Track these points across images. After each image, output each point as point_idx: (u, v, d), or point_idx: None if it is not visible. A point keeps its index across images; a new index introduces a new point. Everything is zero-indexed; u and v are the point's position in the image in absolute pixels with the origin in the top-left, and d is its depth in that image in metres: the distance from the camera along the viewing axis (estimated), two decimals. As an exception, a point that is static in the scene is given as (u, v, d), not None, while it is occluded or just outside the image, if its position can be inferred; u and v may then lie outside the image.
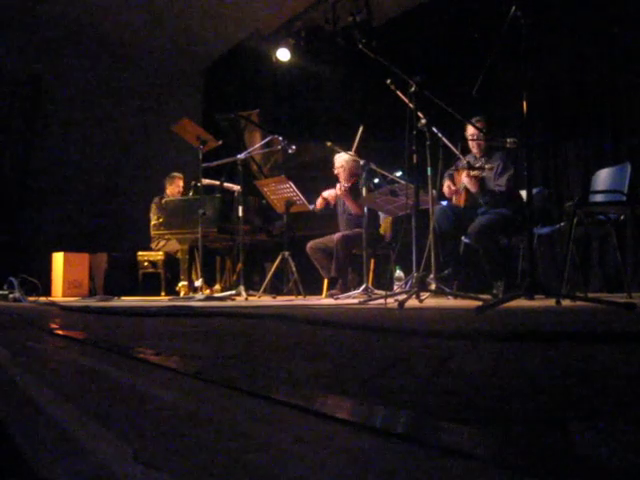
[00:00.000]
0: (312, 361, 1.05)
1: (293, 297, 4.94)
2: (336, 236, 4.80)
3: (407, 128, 3.23)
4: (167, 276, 6.21)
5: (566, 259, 3.30)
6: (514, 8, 2.51)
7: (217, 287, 5.89)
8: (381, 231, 5.13)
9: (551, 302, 2.67)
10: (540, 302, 2.86)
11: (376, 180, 4.87)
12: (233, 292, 4.75)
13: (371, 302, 3.38)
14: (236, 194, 5.29)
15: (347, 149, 4.79)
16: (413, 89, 3.34)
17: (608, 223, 3.68)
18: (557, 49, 5.32)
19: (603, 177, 4.07)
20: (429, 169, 3.53)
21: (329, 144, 4.62)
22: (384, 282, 4.54)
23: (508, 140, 3.71)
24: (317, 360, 1.07)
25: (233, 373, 0.90)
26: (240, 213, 4.88)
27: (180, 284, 5.54)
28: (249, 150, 5.26)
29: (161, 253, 6.19)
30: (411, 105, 3.34)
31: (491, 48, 2.68)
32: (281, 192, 4.99)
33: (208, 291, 5.15)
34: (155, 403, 0.69)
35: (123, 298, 5.28)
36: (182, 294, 5.39)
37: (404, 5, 6.54)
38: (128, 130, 8.14)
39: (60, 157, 7.52)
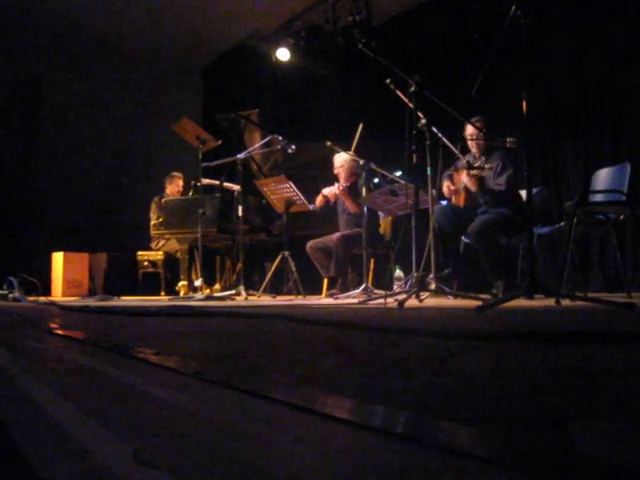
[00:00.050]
0: (312, 361, 1.05)
1: (293, 297, 4.94)
2: (336, 236, 4.79)
3: (407, 128, 3.23)
4: (167, 276, 6.21)
5: (566, 259, 3.30)
6: (514, 8, 2.51)
7: (217, 287, 5.88)
8: (381, 231, 5.14)
9: (551, 302, 2.67)
10: (540, 302, 2.86)
11: (376, 180, 4.86)
12: (233, 292, 4.75)
13: (371, 302, 3.38)
14: (236, 194, 5.29)
15: (347, 149, 4.79)
16: (413, 89, 3.34)
17: (608, 223, 3.68)
18: (557, 49, 5.33)
19: (603, 177, 4.07)
20: (429, 169, 3.53)
21: (329, 144, 4.62)
22: (384, 282, 4.54)
23: (508, 140, 3.71)
24: (317, 360, 1.07)
25: (233, 373, 0.90)
26: (240, 213, 4.88)
27: (180, 284, 5.53)
28: (249, 150, 5.26)
29: (161, 253, 6.19)
30: (411, 105, 3.34)
31: (491, 48, 2.68)
32: (281, 192, 4.99)
33: (208, 291, 5.15)
34: (155, 403, 0.69)
35: (123, 298, 5.28)
36: (182, 294, 5.39)
37: (404, 5, 6.54)
38: (128, 130, 8.14)
39: (60, 157, 7.52)
